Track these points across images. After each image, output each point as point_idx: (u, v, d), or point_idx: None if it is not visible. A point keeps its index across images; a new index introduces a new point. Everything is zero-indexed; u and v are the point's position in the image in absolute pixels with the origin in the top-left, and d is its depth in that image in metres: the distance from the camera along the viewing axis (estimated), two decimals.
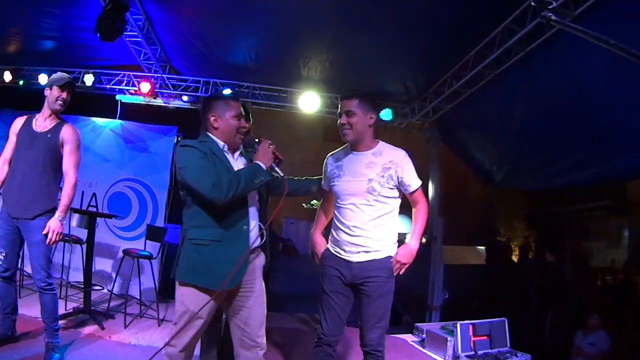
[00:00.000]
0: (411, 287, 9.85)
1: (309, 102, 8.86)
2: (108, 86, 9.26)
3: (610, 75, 5.61)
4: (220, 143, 3.43)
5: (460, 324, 6.02)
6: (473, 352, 5.89)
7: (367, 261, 3.63)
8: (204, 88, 9.18)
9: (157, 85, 9.09)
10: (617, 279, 12.73)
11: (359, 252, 3.65)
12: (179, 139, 9.14)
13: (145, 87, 8.91)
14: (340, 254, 3.72)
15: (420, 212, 3.79)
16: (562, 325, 9.24)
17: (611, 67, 5.50)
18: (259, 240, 3.46)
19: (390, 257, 3.66)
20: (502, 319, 6.47)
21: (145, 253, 6.66)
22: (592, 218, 17.25)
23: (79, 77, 8.95)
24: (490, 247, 14.72)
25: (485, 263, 13.54)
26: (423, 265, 10.41)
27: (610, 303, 8.04)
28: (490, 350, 6.03)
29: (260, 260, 3.55)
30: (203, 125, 3.53)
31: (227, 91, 8.78)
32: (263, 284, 3.54)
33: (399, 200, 3.78)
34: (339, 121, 3.72)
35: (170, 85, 9.16)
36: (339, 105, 3.77)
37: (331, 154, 4.04)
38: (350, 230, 3.66)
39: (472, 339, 6.04)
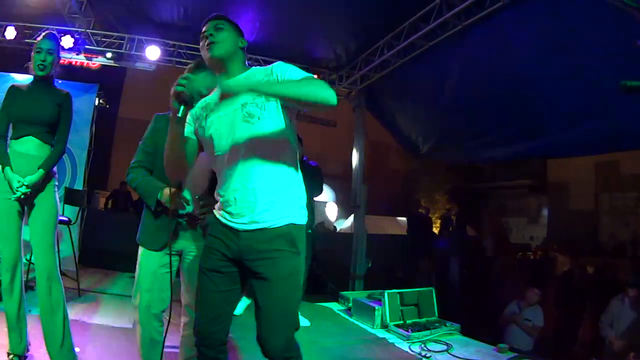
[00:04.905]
0: (333, 255, 9.89)
1: None
2: (30, 40, 8.71)
3: (543, 56, 5.78)
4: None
5: (388, 293, 6.00)
6: (402, 321, 5.88)
7: (259, 230, 2.55)
8: (128, 45, 8.79)
9: (81, 41, 8.63)
10: (537, 255, 13.13)
11: (246, 216, 2.56)
12: (100, 98, 8.81)
13: (67, 41, 8.44)
14: (226, 220, 2.64)
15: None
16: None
17: (545, 47, 5.68)
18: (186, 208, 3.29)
19: (294, 224, 2.57)
20: (430, 288, 6.50)
21: (63, 218, 6.32)
22: (513, 195, 17.88)
23: (0, 30, 8.45)
24: (411, 218, 14.92)
25: (407, 234, 13.70)
26: (344, 234, 10.37)
27: (531, 278, 8.22)
28: (418, 319, 6.05)
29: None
30: None
31: (152, 48, 8.49)
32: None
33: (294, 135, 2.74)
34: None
35: (94, 41, 8.73)
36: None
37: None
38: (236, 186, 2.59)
39: (400, 307, 6.04)
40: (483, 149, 7.83)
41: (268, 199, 2.53)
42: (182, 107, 2.52)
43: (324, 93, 2.40)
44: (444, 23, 6.65)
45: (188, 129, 2.77)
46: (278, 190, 2.56)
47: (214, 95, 2.79)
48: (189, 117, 2.76)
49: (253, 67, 2.84)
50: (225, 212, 2.63)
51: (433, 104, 8.14)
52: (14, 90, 3.78)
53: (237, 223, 2.57)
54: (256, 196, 2.54)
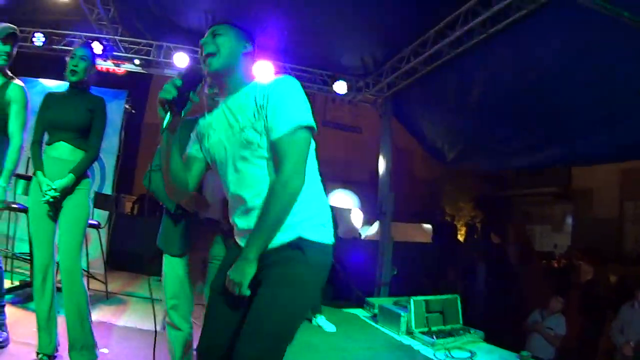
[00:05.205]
0: (359, 261, 9.89)
1: (263, 70, 8.65)
2: (58, 47, 8.86)
3: (569, 63, 5.75)
4: None
5: (414, 300, 6.00)
6: (427, 328, 5.88)
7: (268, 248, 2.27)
8: (156, 52, 8.89)
9: (109, 47, 8.74)
10: (560, 263, 13.04)
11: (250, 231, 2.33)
12: (127, 104, 8.93)
13: (96, 48, 8.54)
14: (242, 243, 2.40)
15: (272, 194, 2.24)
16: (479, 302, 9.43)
17: (570, 53, 5.65)
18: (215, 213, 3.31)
19: (301, 237, 2.27)
20: (455, 295, 6.49)
21: (93, 222, 6.41)
22: (537, 203, 17.74)
23: (28, 36, 8.58)
24: (437, 225, 14.89)
25: (432, 241, 13.67)
26: (370, 241, 10.35)
27: (555, 286, 8.18)
28: (443, 327, 6.05)
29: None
30: None
31: (180, 55, 8.56)
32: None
33: None
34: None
35: (122, 48, 8.85)
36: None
37: None
38: (237, 202, 2.43)
39: (426, 314, 6.04)
40: (508, 156, 7.83)
41: None
42: (167, 115, 2.25)
43: (289, 198, 2.21)
44: (469, 31, 6.66)
45: (194, 147, 2.63)
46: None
47: (215, 113, 2.57)
48: (193, 134, 2.65)
49: (255, 82, 2.51)
50: (240, 237, 2.45)
51: (459, 111, 8.13)
52: (48, 97, 3.90)
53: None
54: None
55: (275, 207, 2.18)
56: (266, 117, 2.28)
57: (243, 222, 2.38)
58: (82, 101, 3.85)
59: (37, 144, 3.83)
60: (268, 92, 2.31)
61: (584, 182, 15.97)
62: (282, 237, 2.25)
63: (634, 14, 2.60)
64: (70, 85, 3.88)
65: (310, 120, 2.29)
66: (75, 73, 3.82)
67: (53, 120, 3.77)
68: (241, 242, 2.40)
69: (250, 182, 2.33)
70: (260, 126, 2.29)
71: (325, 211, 2.44)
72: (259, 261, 2.21)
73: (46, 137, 3.85)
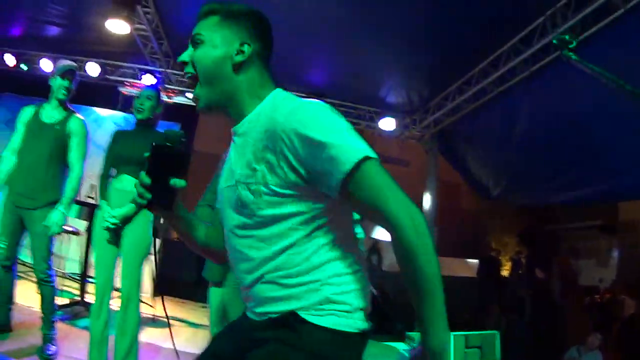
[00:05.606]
0: (402, 295, 9.88)
1: None
2: (111, 77, 9.19)
3: (610, 98, 5.70)
4: None
5: (453, 335, 6.02)
6: None
7: (259, 321, 1.71)
8: None
9: (161, 80, 9.02)
10: (604, 297, 12.80)
11: (255, 306, 1.74)
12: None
13: (149, 80, 8.84)
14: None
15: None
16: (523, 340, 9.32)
17: (612, 90, 5.62)
18: None
19: (295, 313, 1.57)
20: (494, 331, 6.49)
21: None
22: (582, 237, 17.39)
23: (82, 65, 8.87)
24: (483, 260, 14.76)
25: (477, 276, 13.57)
26: None
27: (597, 321, 8.09)
28: None
29: None
30: None
31: None
32: None
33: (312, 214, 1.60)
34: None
35: (174, 81, 9.10)
36: None
37: None
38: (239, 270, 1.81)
39: (465, 350, 6.05)
40: (553, 192, 7.76)
41: (271, 290, 1.63)
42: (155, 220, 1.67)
43: (422, 230, 1.47)
44: (512, 69, 6.74)
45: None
46: (285, 280, 1.60)
47: (229, 152, 1.82)
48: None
49: (276, 95, 1.73)
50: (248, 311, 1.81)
51: (503, 147, 8.14)
52: (116, 134, 4.21)
53: (249, 311, 1.79)
54: (260, 287, 1.66)
55: (419, 261, 1.48)
56: (303, 162, 1.50)
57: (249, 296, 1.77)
58: (146, 137, 4.04)
59: (104, 177, 4.09)
60: (293, 129, 1.49)
61: (630, 214, 15.64)
62: (276, 308, 1.63)
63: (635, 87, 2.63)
64: (136, 122, 4.14)
65: (372, 151, 1.52)
66: (141, 111, 4.08)
67: (118, 155, 4.03)
68: (249, 314, 1.79)
69: (244, 257, 1.71)
70: (255, 181, 1.59)
71: (339, 283, 1.64)
72: (251, 335, 1.70)
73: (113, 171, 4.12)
